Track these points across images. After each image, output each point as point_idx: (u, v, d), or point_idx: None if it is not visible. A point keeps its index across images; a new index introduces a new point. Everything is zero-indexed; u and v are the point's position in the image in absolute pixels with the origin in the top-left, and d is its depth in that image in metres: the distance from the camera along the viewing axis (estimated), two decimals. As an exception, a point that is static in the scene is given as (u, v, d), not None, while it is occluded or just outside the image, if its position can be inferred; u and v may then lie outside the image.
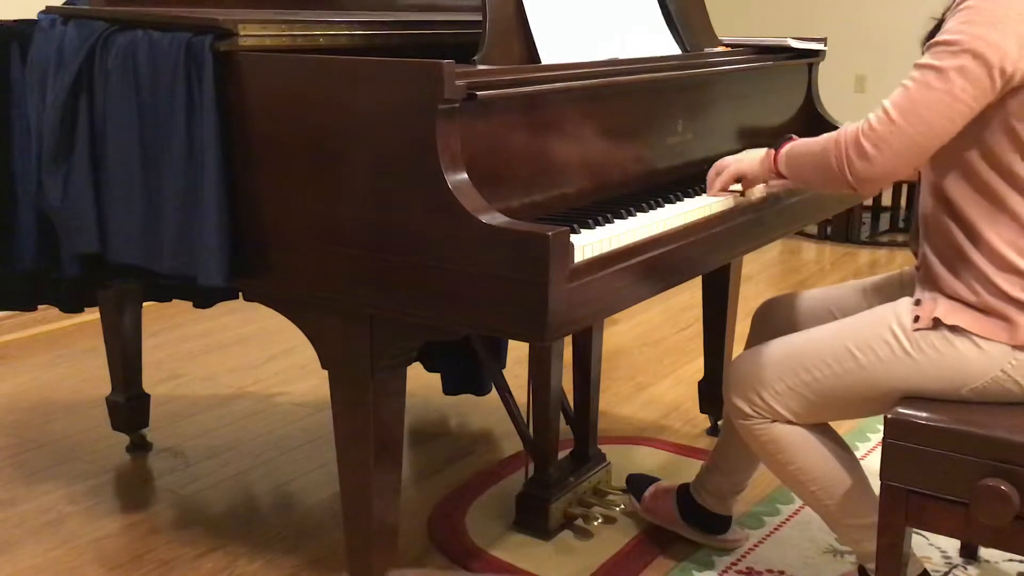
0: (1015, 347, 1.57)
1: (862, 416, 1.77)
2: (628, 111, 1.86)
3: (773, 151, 1.76)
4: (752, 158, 1.83)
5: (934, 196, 1.65)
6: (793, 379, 1.71)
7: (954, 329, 1.59)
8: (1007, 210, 1.57)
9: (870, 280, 1.96)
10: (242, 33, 1.61)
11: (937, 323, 1.60)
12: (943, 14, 1.61)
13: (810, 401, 1.71)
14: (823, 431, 1.78)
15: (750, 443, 1.81)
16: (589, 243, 1.50)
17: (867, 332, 1.66)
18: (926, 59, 1.52)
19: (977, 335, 1.58)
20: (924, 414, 1.57)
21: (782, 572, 2.08)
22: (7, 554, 2.17)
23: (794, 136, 1.77)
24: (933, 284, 1.65)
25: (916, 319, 1.62)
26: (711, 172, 1.89)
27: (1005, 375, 1.58)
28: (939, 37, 1.52)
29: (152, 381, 2.95)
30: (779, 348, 1.76)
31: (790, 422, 1.74)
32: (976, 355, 1.58)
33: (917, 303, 1.65)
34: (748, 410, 1.76)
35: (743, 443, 1.89)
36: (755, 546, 2.18)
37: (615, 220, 1.64)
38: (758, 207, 1.91)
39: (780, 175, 1.75)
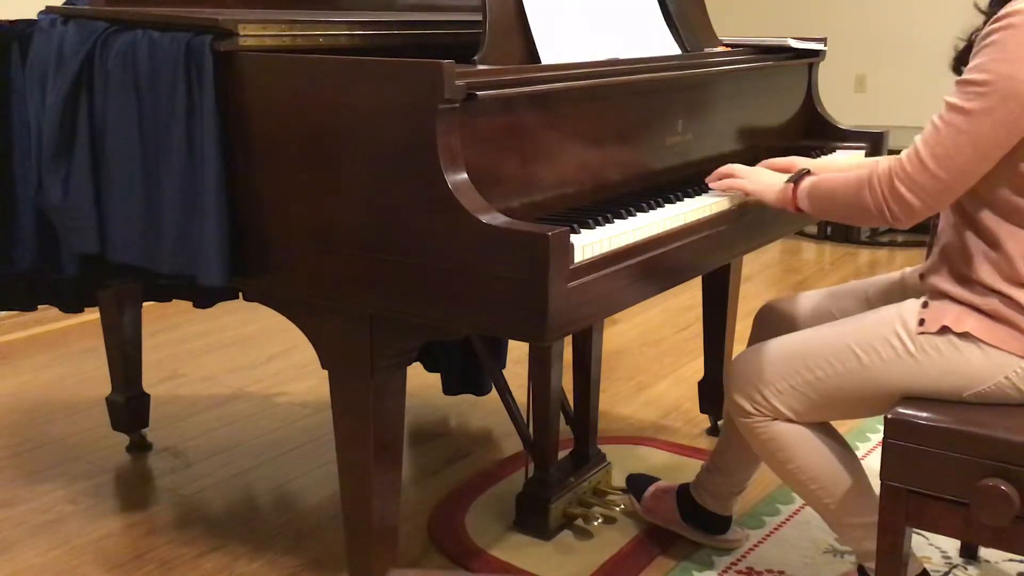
0: (1021, 356, 1.57)
1: (863, 416, 1.77)
2: (628, 111, 1.86)
3: (792, 186, 1.74)
4: (766, 184, 1.81)
5: (955, 206, 1.64)
6: (795, 377, 1.71)
7: (962, 335, 1.59)
8: None
9: (871, 281, 1.96)
10: (242, 33, 1.61)
11: (945, 330, 1.60)
12: (970, 36, 1.59)
13: (811, 400, 1.71)
14: (824, 430, 1.78)
15: (751, 441, 1.81)
16: (589, 243, 1.50)
17: (871, 332, 1.66)
18: (954, 98, 1.50)
19: (986, 342, 1.57)
20: (924, 414, 1.57)
21: (782, 572, 2.08)
22: (7, 554, 2.17)
23: (810, 170, 1.76)
24: (943, 289, 1.64)
25: (921, 322, 1.62)
26: (721, 170, 1.89)
27: (1008, 382, 1.58)
28: (967, 74, 1.50)
29: (152, 381, 2.95)
30: (781, 346, 1.76)
31: (791, 420, 1.74)
32: (981, 361, 1.58)
33: (924, 306, 1.64)
34: (749, 408, 1.76)
35: (743, 443, 1.89)
36: (755, 546, 2.18)
37: (615, 220, 1.64)
38: (757, 207, 1.91)
39: (799, 210, 1.74)
